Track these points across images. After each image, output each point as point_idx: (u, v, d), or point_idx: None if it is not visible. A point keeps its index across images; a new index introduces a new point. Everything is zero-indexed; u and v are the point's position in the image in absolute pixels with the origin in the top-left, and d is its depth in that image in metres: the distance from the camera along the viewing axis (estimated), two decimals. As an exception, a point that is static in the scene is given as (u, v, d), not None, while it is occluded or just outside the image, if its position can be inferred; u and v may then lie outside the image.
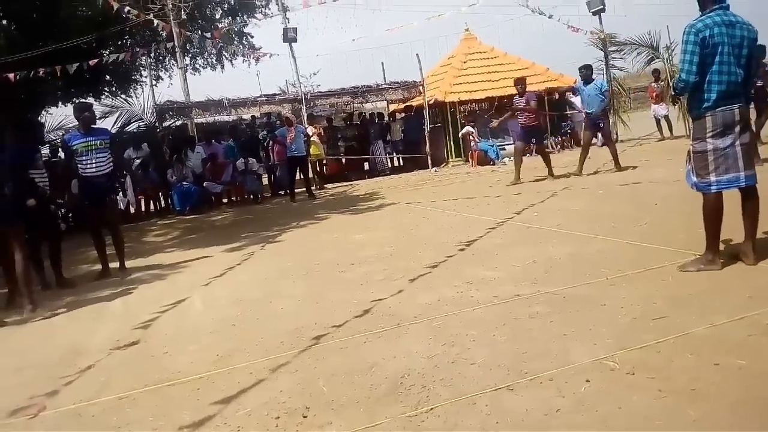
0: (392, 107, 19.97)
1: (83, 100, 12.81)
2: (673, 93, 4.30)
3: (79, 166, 6.86)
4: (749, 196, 4.22)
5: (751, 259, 4.16)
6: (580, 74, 11.09)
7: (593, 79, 10.98)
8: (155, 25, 15.41)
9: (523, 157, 11.32)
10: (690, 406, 2.45)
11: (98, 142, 6.91)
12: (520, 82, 11.11)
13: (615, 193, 8.22)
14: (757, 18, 4.45)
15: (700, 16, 4.06)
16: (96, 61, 13.91)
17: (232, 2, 19.20)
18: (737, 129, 4.07)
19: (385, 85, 17.52)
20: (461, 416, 2.61)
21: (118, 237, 7.33)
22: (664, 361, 2.88)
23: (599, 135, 11.44)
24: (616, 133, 17.09)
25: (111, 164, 7.07)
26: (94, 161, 6.84)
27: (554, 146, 17.11)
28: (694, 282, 4.00)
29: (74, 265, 7.90)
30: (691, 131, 4.26)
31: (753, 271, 4.09)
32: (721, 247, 4.32)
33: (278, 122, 16.91)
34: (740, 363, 2.76)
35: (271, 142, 14.68)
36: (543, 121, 12.08)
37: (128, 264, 7.31)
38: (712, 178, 4.12)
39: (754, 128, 7.15)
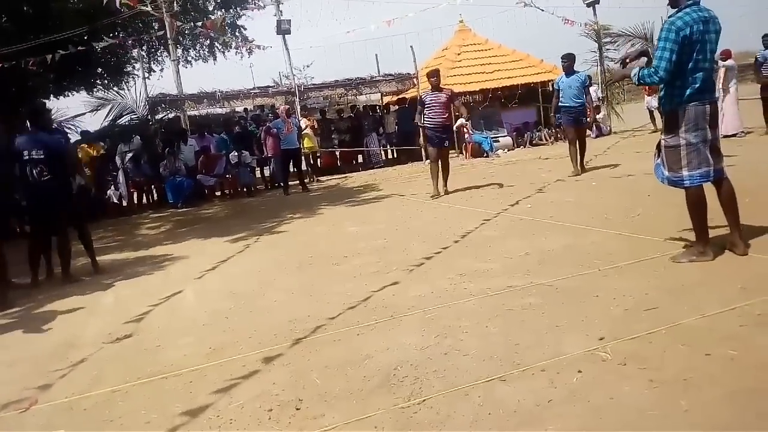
0: (386, 99, 19.93)
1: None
2: (636, 83, 4.34)
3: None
4: (722, 188, 4.25)
5: (741, 249, 4.18)
6: (562, 64, 10.11)
7: (575, 71, 10.06)
8: (148, 13, 15.28)
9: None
10: (682, 396, 2.46)
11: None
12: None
13: (608, 185, 8.24)
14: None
15: (677, 11, 4.06)
16: (85, 48, 13.79)
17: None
18: (708, 124, 4.11)
19: (379, 78, 17.46)
20: (454, 407, 2.62)
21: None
22: (656, 352, 2.89)
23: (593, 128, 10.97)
24: (609, 126, 17.14)
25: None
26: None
27: (548, 138, 17.14)
28: (686, 273, 4.02)
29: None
30: (663, 125, 4.30)
31: (744, 261, 4.10)
32: (718, 239, 4.33)
33: (270, 115, 16.87)
34: (732, 353, 2.78)
35: (263, 135, 14.64)
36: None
37: (122, 256, 7.28)
38: (685, 172, 4.16)
39: None
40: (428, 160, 16.11)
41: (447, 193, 9.39)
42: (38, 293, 6.11)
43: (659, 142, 4.36)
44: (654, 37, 15.62)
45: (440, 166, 9.37)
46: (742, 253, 4.16)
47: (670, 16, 4.09)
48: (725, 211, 4.28)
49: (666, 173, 4.27)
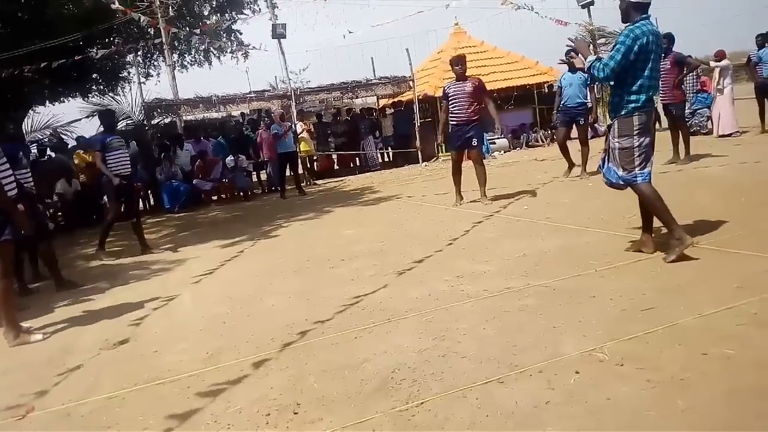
0: (382, 102, 19.94)
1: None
2: (585, 69, 4.57)
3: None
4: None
5: (650, 248, 4.56)
6: (566, 61, 8.78)
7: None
8: (142, 22, 15.29)
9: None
10: (679, 396, 2.46)
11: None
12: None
13: (604, 185, 8.21)
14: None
15: (634, 23, 4.30)
16: (82, 57, 13.80)
17: (220, -1, 19.09)
18: (651, 128, 4.46)
19: (375, 80, 17.48)
20: (451, 410, 2.61)
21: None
22: (653, 352, 2.89)
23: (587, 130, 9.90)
24: (604, 126, 17.17)
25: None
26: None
27: (544, 140, 17.16)
28: (683, 273, 4.03)
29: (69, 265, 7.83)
30: (616, 129, 4.49)
31: (741, 261, 4.11)
32: (715, 239, 4.34)
33: (266, 119, 16.87)
34: (728, 353, 2.78)
35: (259, 140, 14.64)
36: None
37: (118, 261, 7.26)
38: (637, 171, 4.43)
39: None
40: (425, 163, 16.27)
41: (487, 202, 8.05)
42: (34, 299, 6.09)
43: (608, 146, 4.61)
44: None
45: (476, 169, 8.27)
46: (651, 252, 4.51)
47: (627, 26, 4.34)
48: (643, 212, 4.66)
49: (620, 173, 4.51)
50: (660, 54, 4.45)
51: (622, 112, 4.41)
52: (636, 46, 4.21)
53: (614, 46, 4.34)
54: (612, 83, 4.47)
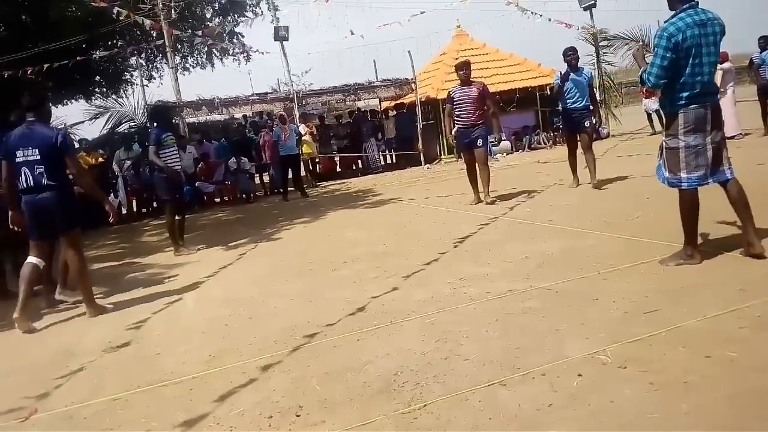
0: (384, 104, 19.96)
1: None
2: (640, 84, 4.35)
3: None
4: (729, 189, 4.20)
5: (757, 248, 4.09)
6: (569, 59, 8.54)
7: (580, 67, 8.69)
8: (145, 24, 15.33)
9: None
10: (682, 399, 2.46)
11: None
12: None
13: (607, 188, 8.23)
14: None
15: (672, 17, 4.06)
16: (84, 58, 13.87)
17: (223, 1, 19.13)
18: (709, 127, 4.09)
19: (377, 83, 17.49)
20: (454, 412, 2.61)
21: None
22: (656, 355, 2.89)
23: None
24: (608, 129, 17.17)
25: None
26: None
27: (546, 142, 17.16)
28: (686, 275, 4.02)
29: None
30: (665, 127, 4.27)
31: (744, 263, 4.10)
32: (717, 241, 4.33)
33: (269, 121, 16.90)
34: (732, 355, 2.77)
35: (261, 142, 14.65)
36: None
37: (121, 263, 7.26)
38: (683, 174, 4.15)
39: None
40: (427, 165, 16.28)
41: (489, 201, 8.20)
42: (37, 301, 6.10)
43: (661, 143, 4.36)
44: (650, 41, 15.67)
45: (479, 169, 8.35)
46: (758, 252, 4.07)
47: (665, 21, 4.10)
48: (737, 212, 4.23)
49: (666, 174, 4.28)
50: (710, 43, 4.00)
51: (667, 110, 4.21)
52: (671, 45, 3.96)
53: (654, 47, 4.11)
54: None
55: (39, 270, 5.26)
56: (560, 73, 8.57)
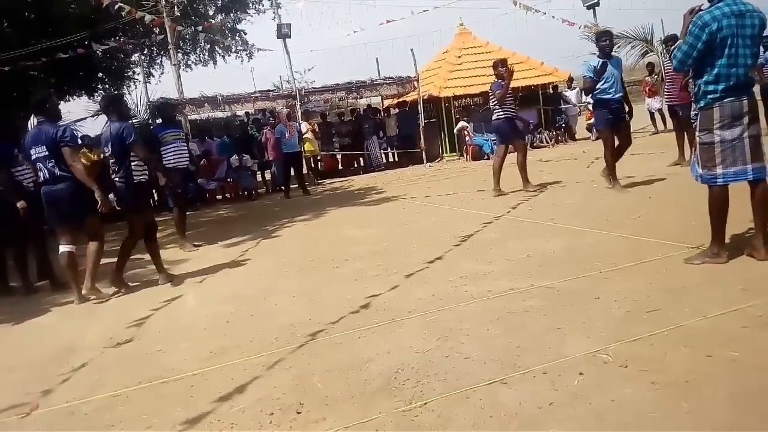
0: (386, 102, 19.94)
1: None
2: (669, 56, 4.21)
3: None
4: (758, 189, 4.10)
5: (761, 254, 4.06)
6: (602, 44, 7.61)
7: (612, 55, 7.77)
8: (147, 21, 15.32)
9: (514, 152, 9.07)
10: (683, 398, 2.45)
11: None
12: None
13: (609, 187, 8.19)
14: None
15: (710, 6, 3.96)
16: (85, 52, 13.88)
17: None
18: (746, 120, 3.98)
19: (380, 81, 17.47)
20: (455, 410, 2.61)
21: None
22: (658, 354, 2.88)
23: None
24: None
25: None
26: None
27: (548, 140, 17.13)
28: (688, 274, 4.01)
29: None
30: (698, 123, 4.16)
31: (746, 263, 4.09)
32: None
33: (271, 119, 16.89)
34: (733, 355, 2.77)
35: (264, 139, 14.65)
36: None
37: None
38: (719, 170, 4.03)
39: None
40: (429, 163, 16.27)
41: (530, 189, 8.63)
42: (38, 297, 6.11)
43: (696, 139, 4.23)
44: (654, 40, 15.68)
45: (519, 160, 8.86)
46: (762, 258, 4.03)
47: (703, 8, 3.99)
48: (755, 212, 4.16)
49: (700, 171, 4.15)
50: (746, 35, 3.89)
51: (702, 104, 4.07)
52: (705, 35, 3.85)
53: (687, 33, 3.98)
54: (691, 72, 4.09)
55: (74, 255, 5.70)
56: (594, 66, 7.56)
